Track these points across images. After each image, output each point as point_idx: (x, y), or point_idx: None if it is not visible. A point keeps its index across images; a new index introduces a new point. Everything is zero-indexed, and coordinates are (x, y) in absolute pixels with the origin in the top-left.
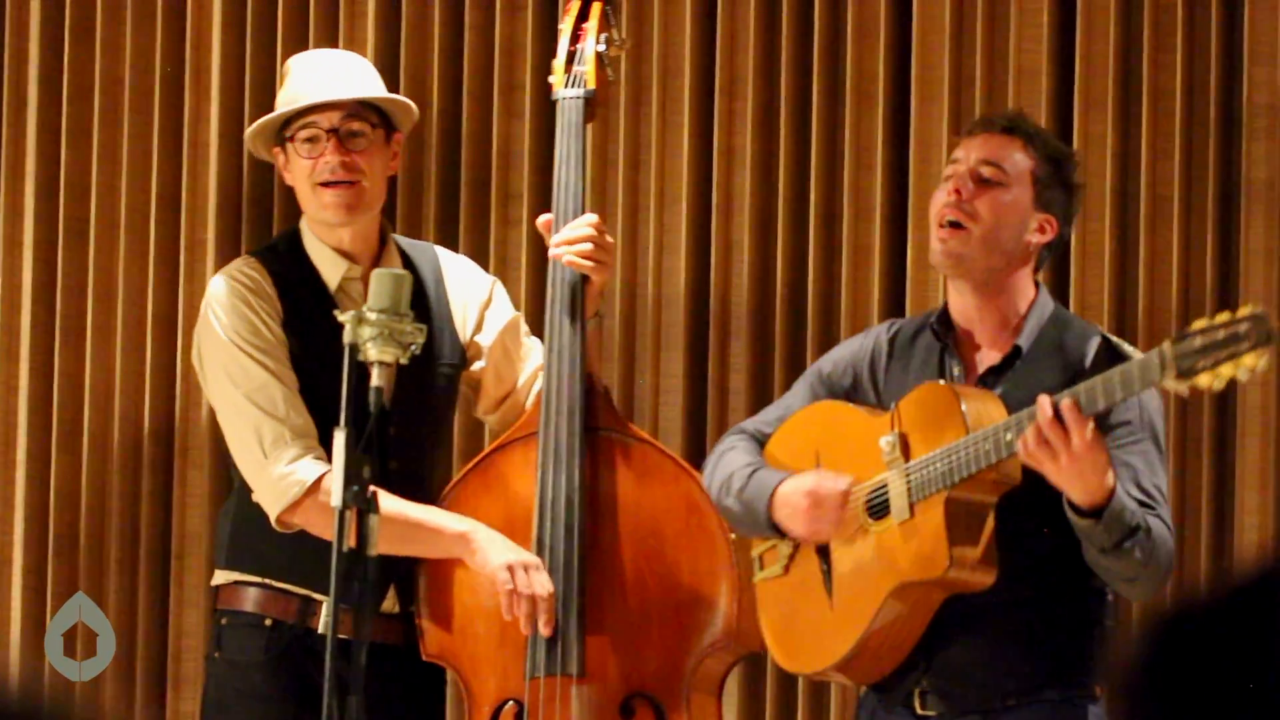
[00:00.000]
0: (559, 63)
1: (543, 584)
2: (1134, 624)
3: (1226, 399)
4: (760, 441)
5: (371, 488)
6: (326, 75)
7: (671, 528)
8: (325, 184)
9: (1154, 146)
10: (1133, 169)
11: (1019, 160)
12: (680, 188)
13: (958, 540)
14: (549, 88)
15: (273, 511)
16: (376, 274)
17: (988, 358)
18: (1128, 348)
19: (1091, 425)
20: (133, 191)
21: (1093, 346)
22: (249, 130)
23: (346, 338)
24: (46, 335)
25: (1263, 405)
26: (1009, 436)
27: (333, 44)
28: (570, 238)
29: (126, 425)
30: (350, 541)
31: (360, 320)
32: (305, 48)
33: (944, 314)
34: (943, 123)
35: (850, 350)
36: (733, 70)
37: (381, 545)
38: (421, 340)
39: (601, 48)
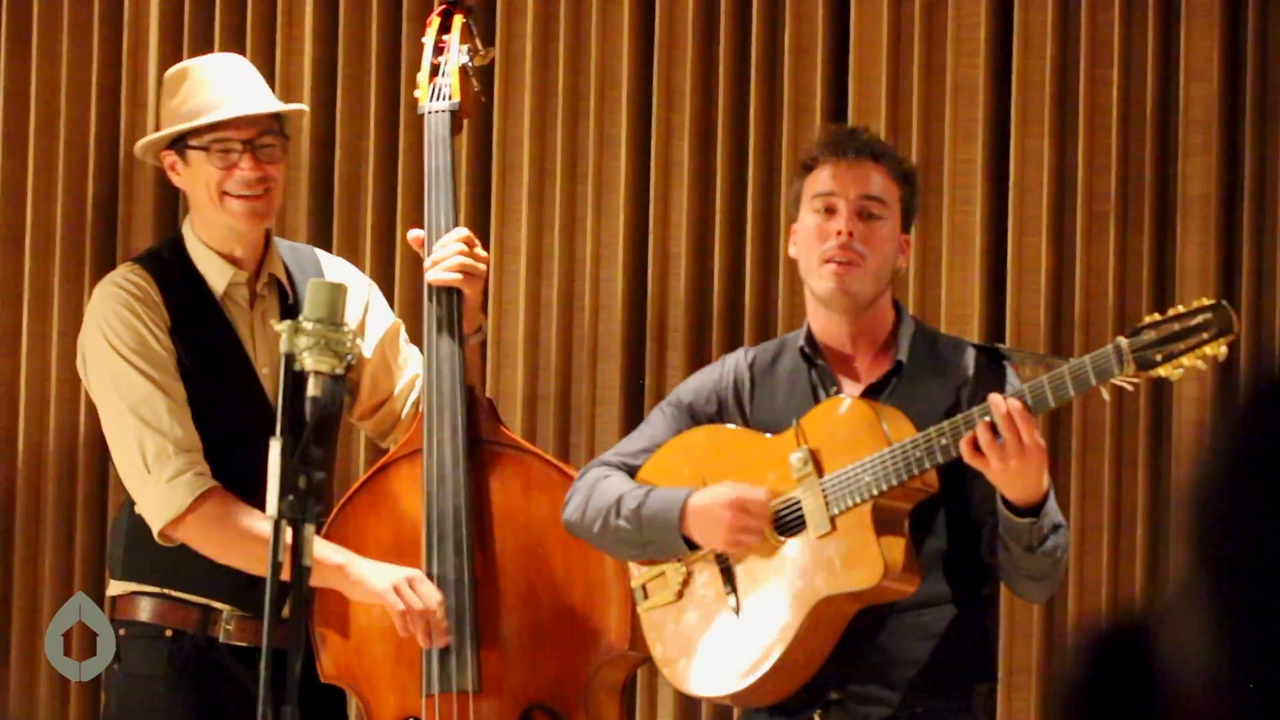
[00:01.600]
0: (423, 76)
1: (430, 594)
2: (1049, 631)
3: (1161, 414)
4: (629, 472)
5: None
6: (238, 86)
7: (560, 537)
8: (235, 194)
9: (1091, 161)
10: (1069, 183)
11: (889, 189)
12: (618, 199)
13: (889, 548)
14: (484, 98)
15: (155, 526)
16: (313, 283)
17: (867, 375)
18: (1003, 349)
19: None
20: (68, 199)
21: (970, 357)
22: (149, 139)
23: (283, 347)
24: None
25: (1198, 421)
26: (944, 442)
27: (270, 54)
28: (437, 258)
29: (61, 433)
30: (217, 555)
31: (297, 329)
32: (242, 56)
33: (810, 338)
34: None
35: (710, 379)
36: (670, 83)
37: (262, 569)
38: (358, 351)
39: (465, 59)
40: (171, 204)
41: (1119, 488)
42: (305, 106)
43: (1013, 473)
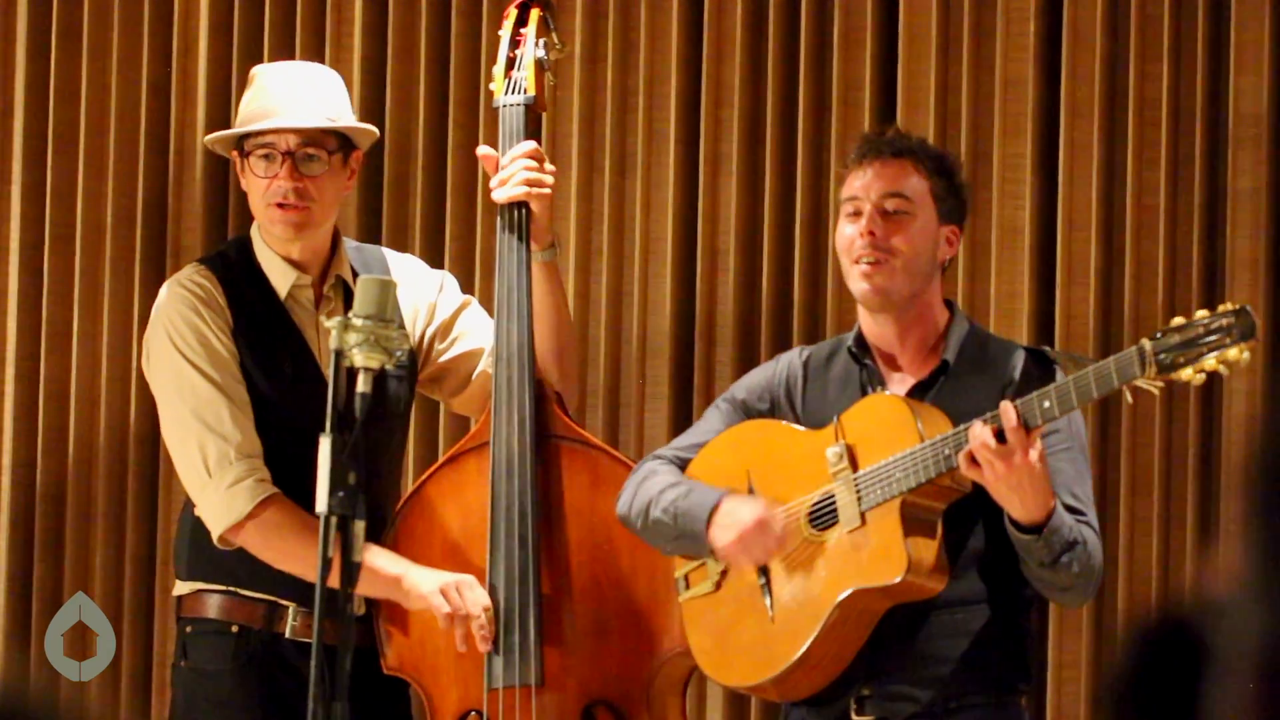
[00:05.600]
0: (498, 69)
1: (476, 601)
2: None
3: (1211, 408)
4: (680, 466)
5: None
6: (290, 94)
7: (625, 534)
8: (273, 204)
9: (1140, 156)
10: (1119, 178)
11: (916, 184)
12: (666, 195)
13: (914, 545)
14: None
15: (215, 530)
16: (363, 280)
17: (914, 375)
18: (1052, 353)
19: (1037, 442)
20: (119, 197)
21: (1018, 359)
22: (209, 137)
23: (332, 343)
24: (32, 341)
25: (1248, 415)
26: (947, 451)
27: (319, 51)
28: (504, 176)
29: (112, 431)
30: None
31: (346, 326)
32: (291, 55)
33: (860, 338)
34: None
35: (765, 376)
36: (719, 79)
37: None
38: (407, 347)
39: (540, 53)
40: (221, 202)
41: (1168, 481)
42: (361, 125)
43: (1005, 487)
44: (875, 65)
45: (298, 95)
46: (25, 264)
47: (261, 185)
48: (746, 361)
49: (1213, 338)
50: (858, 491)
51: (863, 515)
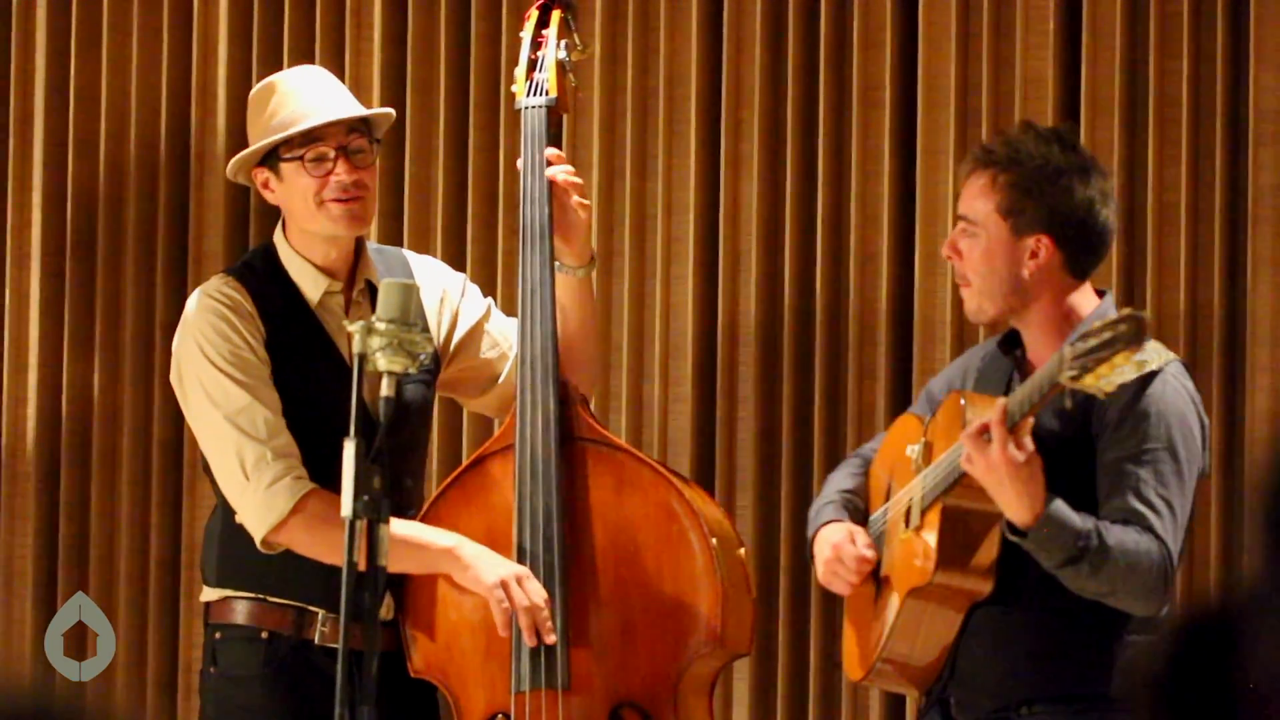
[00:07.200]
0: (520, 71)
1: (538, 592)
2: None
3: (1234, 404)
4: (869, 461)
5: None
6: (322, 94)
7: (651, 536)
8: (333, 199)
9: (1161, 153)
10: (1139, 175)
11: (981, 202)
12: (687, 196)
13: (947, 547)
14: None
15: (258, 533)
16: (385, 284)
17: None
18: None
19: (1024, 440)
20: (140, 203)
21: None
22: (241, 156)
23: (356, 347)
24: (55, 347)
25: (1271, 411)
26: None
27: (339, 56)
28: (553, 174)
29: (135, 437)
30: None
31: (370, 330)
32: (311, 60)
33: (1014, 332)
34: (949, 130)
35: (957, 366)
36: (739, 78)
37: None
38: (430, 350)
39: (562, 55)
40: (243, 208)
41: None
42: (392, 111)
43: (989, 483)
44: (895, 65)
45: (329, 93)
46: (47, 270)
47: (315, 186)
48: (770, 361)
49: (1108, 346)
50: (923, 490)
51: (922, 514)
